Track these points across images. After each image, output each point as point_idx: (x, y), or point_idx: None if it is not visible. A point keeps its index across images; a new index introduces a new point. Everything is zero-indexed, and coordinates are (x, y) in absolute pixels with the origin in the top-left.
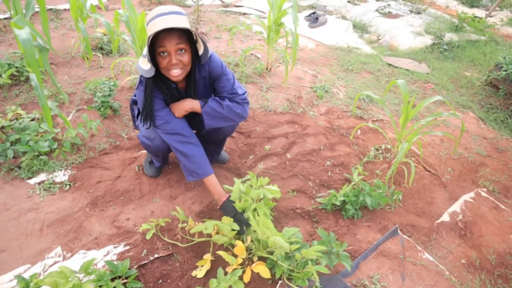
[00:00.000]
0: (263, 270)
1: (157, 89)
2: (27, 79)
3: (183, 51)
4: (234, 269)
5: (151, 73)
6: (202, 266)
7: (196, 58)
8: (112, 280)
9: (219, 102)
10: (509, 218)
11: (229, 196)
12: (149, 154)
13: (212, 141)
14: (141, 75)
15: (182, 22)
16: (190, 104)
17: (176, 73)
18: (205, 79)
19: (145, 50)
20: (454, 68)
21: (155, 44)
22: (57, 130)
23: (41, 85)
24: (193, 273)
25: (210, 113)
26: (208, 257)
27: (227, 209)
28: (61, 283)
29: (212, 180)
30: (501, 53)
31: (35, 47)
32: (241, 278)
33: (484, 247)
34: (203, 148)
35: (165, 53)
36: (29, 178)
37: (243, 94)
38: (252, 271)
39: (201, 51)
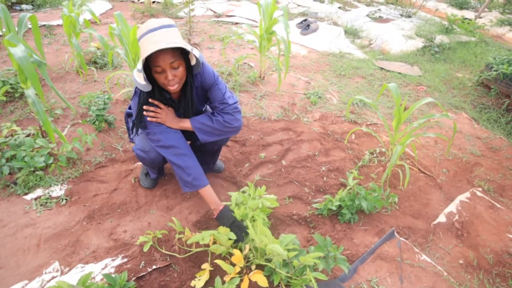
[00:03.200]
0: (260, 279)
1: (151, 97)
2: (22, 95)
3: (178, 66)
4: (232, 278)
5: (148, 88)
6: (200, 276)
7: (189, 68)
8: None
9: (210, 117)
10: (505, 217)
11: (225, 207)
12: (144, 166)
13: (207, 151)
14: (136, 87)
15: (173, 36)
16: (180, 123)
17: (174, 88)
18: (198, 89)
19: (140, 65)
20: (445, 70)
21: (150, 62)
22: (53, 145)
23: (39, 100)
24: (192, 283)
25: (202, 128)
26: (206, 266)
27: (224, 218)
28: None
29: (207, 191)
30: (491, 53)
31: (33, 63)
32: (238, 287)
33: (481, 246)
34: (199, 158)
35: (161, 71)
36: (26, 194)
37: (234, 103)
38: (250, 280)
39: (193, 62)
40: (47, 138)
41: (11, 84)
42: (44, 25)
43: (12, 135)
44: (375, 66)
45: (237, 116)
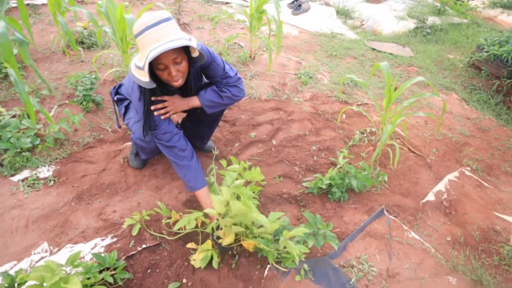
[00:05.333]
0: (247, 244)
1: (153, 92)
2: (6, 76)
3: (181, 61)
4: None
5: (152, 85)
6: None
7: (190, 59)
8: (100, 272)
9: (218, 94)
10: (492, 195)
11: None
12: (134, 146)
13: (206, 120)
14: (136, 83)
15: (173, 32)
16: (190, 103)
17: (178, 83)
18: (196, 70)
19: (140, 63)
20: (437, 51)
21: (152, 59)
22: (39, 126)
23: (21, 80)
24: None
25: (211, 105)
26: (192, 245)
27: None
28: (47, 277)
29: (202, 195)
30: (482, 35)
31: (13, 41)
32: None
33: (468, 224)
34: (196, 131)
35: (164, 68)
36: (12, 175)
37: (236, 74)
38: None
39: (195, 54)
40: None
41: None
42: (28, 4)
43: None
44: (366, 46)
45: (241, 86)
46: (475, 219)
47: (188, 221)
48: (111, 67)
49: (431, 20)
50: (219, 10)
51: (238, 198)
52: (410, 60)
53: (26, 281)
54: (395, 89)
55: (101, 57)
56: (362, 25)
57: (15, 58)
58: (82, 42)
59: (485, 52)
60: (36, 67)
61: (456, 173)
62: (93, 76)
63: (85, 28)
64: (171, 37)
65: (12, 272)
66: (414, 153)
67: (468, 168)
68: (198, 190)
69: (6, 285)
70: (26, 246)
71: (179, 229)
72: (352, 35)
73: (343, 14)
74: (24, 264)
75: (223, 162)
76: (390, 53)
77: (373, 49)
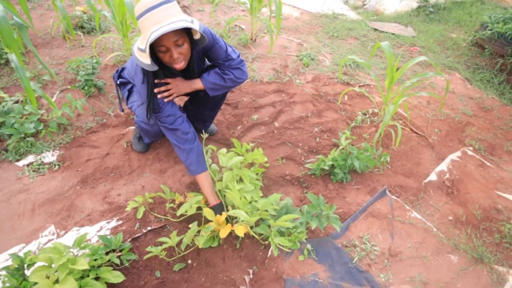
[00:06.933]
0: (238, 229)
1: (155, 75)
2: (7, 61)
3: (182, 43)
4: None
5: (154, 68)
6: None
7: (193, 41)
8: (107, 253)
9: (220, 76)
10: (494, 175)
11: (220, 203)
12: (137, 129)
13: (208, 103)
14: (139, 66)
15: (174, 13)
16: (193, 86)
17: (180, 66)
18: (199, 53)
19: (142, 45)
20: (440, 31)
21: (153, 41)
22: (42, 111)
23: (22, 65)
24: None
25: (214, 88)
26: (193, 225)
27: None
28: (55, 258)
29: (202, 180)
30: (487, 12)
31: (13, 26)
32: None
33: (470, 203)
34: (198, 113)
35: (165, 50)
36: (17, 160)
37: (238, 57)
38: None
39: (196, 36)
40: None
41: None
42: None
43: None
44: (368, 27)
45: (244, 68)
46: (477, 198)
47: (190, 206)
48: (112, 51)
49: None
50: None
51: (241, 180)
52: (412, 40)
53: (35, 263)
54: (397, 69)
55: (101, 41)
56: (364, 5)
57: (16, 41)
58: (82, 27)
59: (489, 30)
60: (37, 52)
61: (458, 153)
62: (94, 61)
63: (84, 13)
64: (172, 19)
65: (21, 254)
66: (416, 133)
67: (471, 148)
68: (198, 174)
69: (16, 265)
70: (34, 229)
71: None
72: (353, 16)
73: None
74: (32, 246)
75: (236, 142)
76: (393, 33)
77: (375, 29)
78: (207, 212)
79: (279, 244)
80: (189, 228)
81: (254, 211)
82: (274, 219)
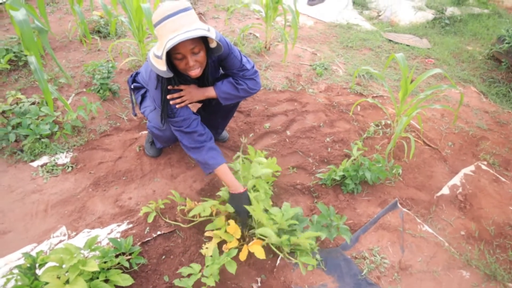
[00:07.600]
0: (258, 251)
1: (169, 82)
2: (26, 63)
3: (199, 51)
4: (231, 248)
5: (170, 75)
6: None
7: (209, 49)
8: (116, 256)
9: (234, 86)
10: (509, 190)
11: (246, 191)
12: (150, 134)
13: (221, 111)
14: (154, 72)
15: (192, 21)
16: (206, 93)
17: (195, 73)
18: (214, 62)
19: (158, 52)
20: (455, 43)
21: (170, 49)
22: (58, 113)
23: (41, 67)
24: (202, 252)
25: (226, 97)
26: (210, 234)
27: (236, 199)
28: (66, 259)
29: (224, 169)
30: (504, 26)
31: (33, 29)
32: (238, 255)
33: (483, 218)
34: (210, 121)
35: (181, 57)
36: (32, 161)
37: (253, 67)
38: (249, 251)
39: (213, 45)
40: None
41: (14, 52)
42: None
43: (17, 103)
44: (383, 38)
45: (257, 79)
46: (491, 213)
47: (203, 209)
48: (127, 56)
49: (450, 10)
50: (234, 0)
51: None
52: (427, 52)
53: (46, 262)
54: (412, 81)
55: (117, 46)
56: (379, 15)
57: (36, 44)
58: (98, 31)
59: (506, 43)
60: (55, 55)
61: (472, 167)
62: (110, 65)
63: (101, 17)
64: (189, 27)
65: (32, 254)
66: (430, 146)
67: (485, 162)
68: (219, 165)
69: (28, 265)
70: (46, 229)
71: (193, 217)
72: (368, 26)
73: (360, 4)
74: (44, 246)
75: (251, 149)
76: (407, 45)
77: (390, 40)
78: (232, 229)
79: (288, 257)
80: (198, 235)
81: (273, 224)
82: (293, 234)
